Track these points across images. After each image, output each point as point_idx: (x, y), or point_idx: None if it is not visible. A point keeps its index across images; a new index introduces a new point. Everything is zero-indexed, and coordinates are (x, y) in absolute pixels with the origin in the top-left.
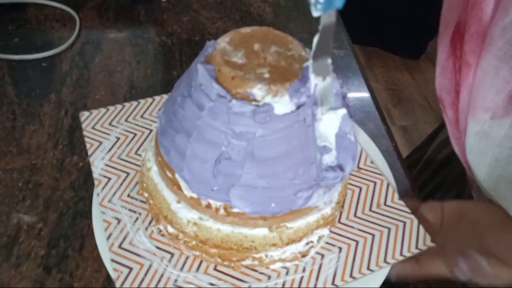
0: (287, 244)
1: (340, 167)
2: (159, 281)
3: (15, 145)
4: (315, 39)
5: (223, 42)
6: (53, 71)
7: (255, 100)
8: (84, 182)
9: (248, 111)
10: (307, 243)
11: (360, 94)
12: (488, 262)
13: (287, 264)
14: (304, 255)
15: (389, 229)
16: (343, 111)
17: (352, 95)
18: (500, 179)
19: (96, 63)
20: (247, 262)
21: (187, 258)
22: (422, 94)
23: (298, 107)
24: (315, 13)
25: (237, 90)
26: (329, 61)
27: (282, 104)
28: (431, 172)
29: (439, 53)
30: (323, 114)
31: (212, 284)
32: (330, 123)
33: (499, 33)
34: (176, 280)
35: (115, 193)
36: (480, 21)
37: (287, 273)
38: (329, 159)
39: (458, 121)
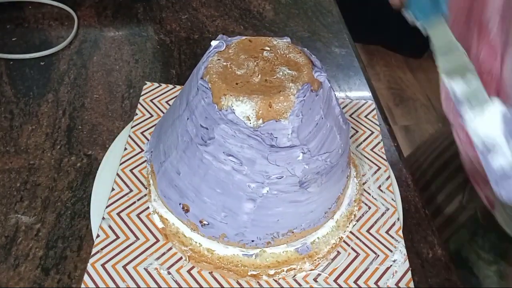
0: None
1: None
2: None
3: (12, 145)
4: (433, 42)
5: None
6: (51, 70)
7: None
8: (82, 183)
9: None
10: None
11: (362, 93)
12: None
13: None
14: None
15: (377, 255)
16: (500, 107)
17: (353, 94)
18: None
19: (94, 62)
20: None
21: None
22: (425, 93)
23: None
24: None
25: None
26: (464, 57)
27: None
28: (433, 172)
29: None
30: (477, 117)
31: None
32: (490, 123)
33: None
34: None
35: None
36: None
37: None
38: (504, 161)
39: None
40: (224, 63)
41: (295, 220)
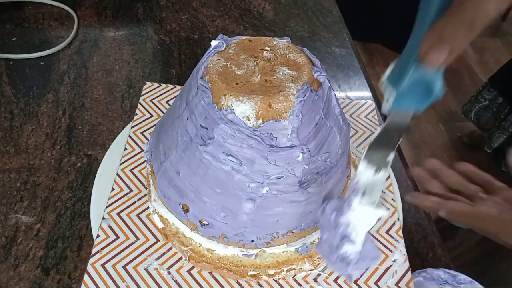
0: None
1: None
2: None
3: (12, 145)
4: (379, 129)
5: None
6: (51, 70)
7: None
8: (82, 183)
9: None
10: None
11: (361, 93)
12: None
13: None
14: None
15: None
16: (384, 213)
17: (353, 94)
18: None
19: (94, 62)
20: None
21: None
22: None
23: None
24: (384, 108)
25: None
26: (390, 157)
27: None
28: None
29: None
30: (360, 205)
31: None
32: (364, 218)
33: None
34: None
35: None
36: None
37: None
38: (351, 250)
39: None
40: (224, 63)
41: (294, 220)
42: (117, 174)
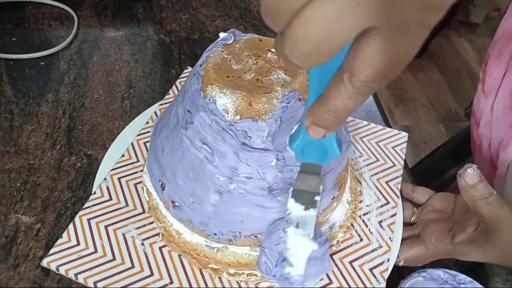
0: None
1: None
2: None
3: (12, 145)
4: (297, 174)
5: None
6: (51, 70)
7: None
8: (82, 183)
9: None
10: None
11: None
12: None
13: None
14: None
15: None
16: (314, 246)
17: None
18: None
19: (94, 62)
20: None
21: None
22: (425, 93)
23: None
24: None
25: None
26: (317, 198)
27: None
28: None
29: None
30: (296, 235)
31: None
32: (300, 247)
33: None
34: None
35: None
36: None
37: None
38: (293, 272)
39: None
40: (225, 56)
41: (260, 225)
42: (131, 143)
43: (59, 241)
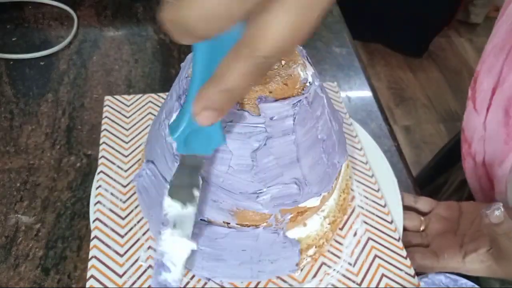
0: None
1: None
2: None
3: (12, 145)
4: (175, 168)
5: None
6: (51, 70)
7: None
8: (82, 183)
9: None
10: None
11: (362, 93)
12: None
13: None
14: None
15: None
16: (193, 246)
17: (354, 94)
18: None
19: (94, 61)
20: None
21: None
22: (425, 93)
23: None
24: (171, 136)
25: None
26: (196, 193)
27: None
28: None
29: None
30: (172, 236)
31: None
32: (177, 249)
33: None
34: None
35: None
36: None
37: None
38: (170, 278)
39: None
40: None
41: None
42: None
43: None
